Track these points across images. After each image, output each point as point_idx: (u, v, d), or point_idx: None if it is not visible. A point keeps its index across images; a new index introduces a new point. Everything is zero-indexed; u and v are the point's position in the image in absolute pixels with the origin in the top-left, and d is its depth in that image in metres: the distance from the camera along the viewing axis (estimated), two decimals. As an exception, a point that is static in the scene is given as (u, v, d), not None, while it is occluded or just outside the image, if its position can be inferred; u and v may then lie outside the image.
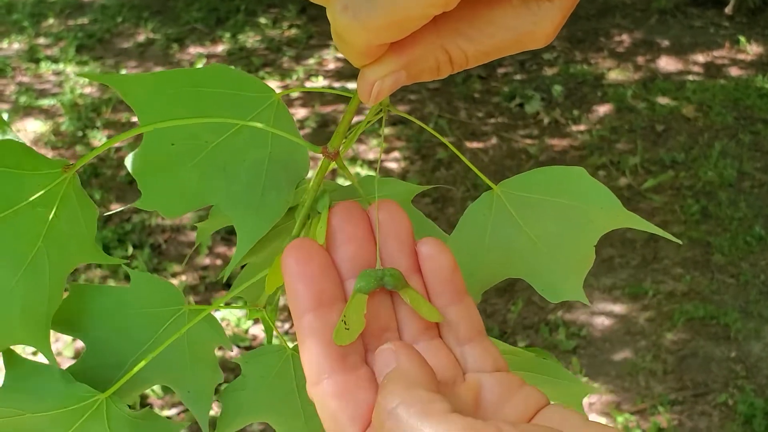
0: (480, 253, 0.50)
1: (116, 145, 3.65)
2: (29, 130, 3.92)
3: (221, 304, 0.50)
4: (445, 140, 0.49)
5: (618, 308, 2.87)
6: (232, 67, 0.44)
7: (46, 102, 4.19)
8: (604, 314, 2.86)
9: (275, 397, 0.44)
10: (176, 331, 0.49)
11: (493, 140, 3.80)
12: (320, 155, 0.46)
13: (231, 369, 2.45)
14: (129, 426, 0.50)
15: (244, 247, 0.47)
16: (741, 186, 3.45)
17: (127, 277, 0.52)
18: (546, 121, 3.94)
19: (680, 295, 2.92)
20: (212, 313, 0.51)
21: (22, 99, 4.19)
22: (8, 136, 0.44)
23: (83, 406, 0.49)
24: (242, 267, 0.54)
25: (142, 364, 0.49)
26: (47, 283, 0.47)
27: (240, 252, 0.47)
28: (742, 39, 4.60)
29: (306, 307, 0.40)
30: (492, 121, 3.97)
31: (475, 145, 3.75)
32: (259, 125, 0.45)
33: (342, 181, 0.56)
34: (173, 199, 0.47)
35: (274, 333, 0.53)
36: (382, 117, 0.46)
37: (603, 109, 4.04)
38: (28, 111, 4.11)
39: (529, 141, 3.76)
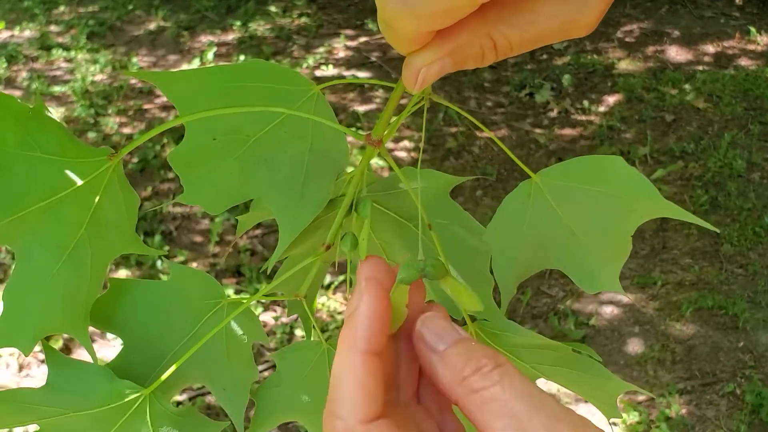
0: (517, 243, 0.50)
1: (125, 132, 3.67)
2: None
3: (261, 296, 0.49)
4: (486, 130, 0.50)
5: (627, 298, 2.87)
6: (272, 61, 0.44)
7: (57, 89, 4.20)
8: (612, 304, 2.87)
9: (310, 394, 0.44)
10: (216, 324, 0.49)
11: (503, 130, 3.80)
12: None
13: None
14: (171, 423, 0.50)
15: (286, 240, 0.47)
16: (750, 177, 3.44)
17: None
18: (556, 110, 3.94)
19: (689, 285, 2.92)
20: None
21: (34, 86, 4.20)
22: (53, 125, 0.44)
23: (126, 403, 0.49)
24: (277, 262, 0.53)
25: (186, 356, 0.48)
26: (88, 271, 0.47)
27: (282, 244, 0.47)
28: (753, 29, 4.58)
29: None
30: (502, 110, 3.97)
31: (485, 134, 3.75)
32: (303, 114, 0.45)
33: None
34: (216, 193, 0.47)
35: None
36: (423, 105, 0.46)
37: (613, 99, 4.03)
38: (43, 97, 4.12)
39: (538, 130, 3.76)
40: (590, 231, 0.49)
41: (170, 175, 3.46)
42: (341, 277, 2.78)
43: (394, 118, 0.47)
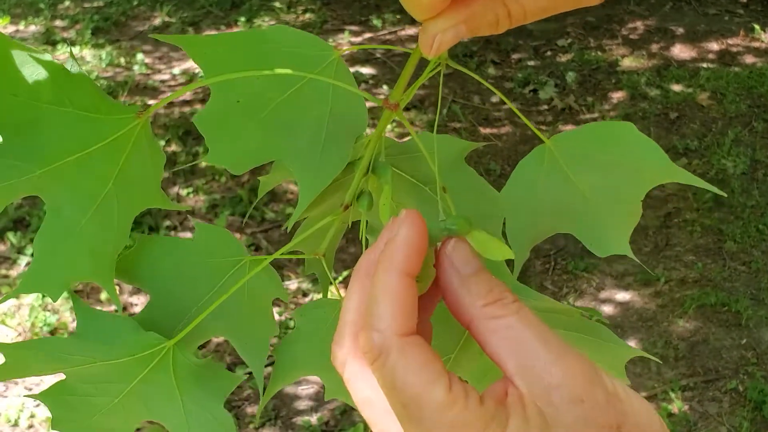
0: (531, 207, 0.51)
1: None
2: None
3: (280, 254, 0.51)
4: (499, 93, 0.50)
5: (630, 295, 2.88)
6: (292, 27, 0.46)
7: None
8: (615, 300, 2.87)
9: (328, 350, 0.45)
10: (237, 281, 0.51)
11: (507, 126, 3.81)
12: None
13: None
14: (193, 375, 0.52)
15: (305, 201, 0.48)
16: (754, 174, 3.45)
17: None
18: (560, 107, 3.95)
19: (692, 282, 2.93)
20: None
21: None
22: (85, 82, 0.45)
23: (151, 354, 0.51)
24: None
25: (207, 312, 0.50)
26: (115, 224, 0.49)
27: (302, 205, 0.48)
28: (757, 27, 4.58)
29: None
30: (506, 106, 3.97)
31: (488, 130, 3.76)
32: (323, 78, 0.46)
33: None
34: (239, 154, 0.48)
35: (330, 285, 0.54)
36: (440, 70, 0.47)
37: (617, 96, 4.03)
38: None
39: (543, 127, 3.77)
40: (602, 195, 0.50)
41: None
42: (345, 272, 2.79)
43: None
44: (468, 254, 0.43)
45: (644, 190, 0.49)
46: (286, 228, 0.52)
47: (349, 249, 2.95)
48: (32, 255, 0.50)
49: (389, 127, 0.47)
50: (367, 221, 0.49)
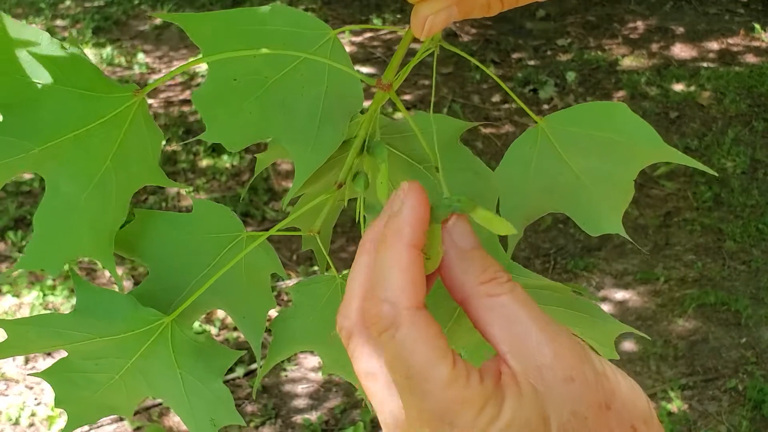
0: (523, 186, 0.51)
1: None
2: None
3: (276, 231, 0.51)
4: (489, 71, 0.51)
5: (629, 294, 2.88)
6: (289, 6, 0.46)
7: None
8: (615, 299, 2.88)
9: (324, 326, 0.46)
10: (235, 256, 0.51)
11: (507, 126, 3.81)
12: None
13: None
14: (191, 350, 0.52)
15: (301, 178, 0.49)
16: (754, 173, 3.45)
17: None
18: (560, 106, 3.95)
19: (691, 281, 2.93)
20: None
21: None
22: (83, 61, 0.46)
23: (149, 330, 0.51)
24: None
25: (205, 287, 0.51)
26: (113, 200, 0.49)
27: (298, 182, 0.49)
28: (757, 26, 4.59)
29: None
30: (505, 106, 3.98)
31: (488, 130, 3.76)
32: (318, 58, 0.47)
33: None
34: (235, 132, 0.49)
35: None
36: (433, 52, 0.47)
37: (617, 96, 4.04)
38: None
39: (542, 127, 3.77)
40: (595, 175, 0.51)
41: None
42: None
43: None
44: (467, 231, 0.44)
45: (636, 169, 0.50)
46: (283, 206, 0.52)
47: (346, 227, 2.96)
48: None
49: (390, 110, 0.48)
50: (364, 199, 0.50)
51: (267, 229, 0.52)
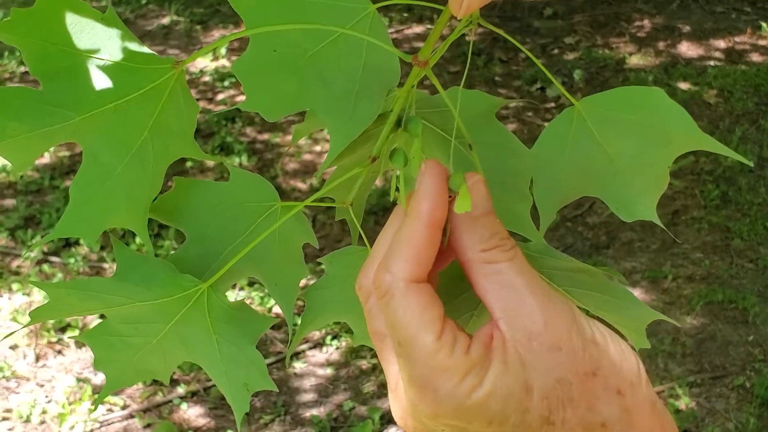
0: (558, 167, 0.52)
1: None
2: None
3: (311, 201, 0.53)
4: (529, 54, 0.52)
5: (637, 291, 2.89)
6: None
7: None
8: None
9: (356, 296, 0.46)
10: (270, 225, 0.53)
11: (514, 124, 3.82)
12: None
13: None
14: (226, 316, 0.53)
15: (336, 150, 0.50)
16: (761, 172, 3.45)
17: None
18: (567, 104, 3.95)
19: (699, 279, 2.93)
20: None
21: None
22: (123, 32, 0.47)
23: (187, 295, 0.52)
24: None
25: (241, 254, 0.52)
26: (150, 171, 0.50)
27: (332, 154, 0.50)
28: (764, 25, 4.59)
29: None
30: (513, 104, 3.99)
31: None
32: (356, 33, 0.48)
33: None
34: (274, 102, 0.50)
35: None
36: (472, 29, 0.48)
37: (624, 95, 4.04)
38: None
39: (549, 125, 3.78)
40: (629, 160, 0.51)
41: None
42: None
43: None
44: (481, 196, 0.46)
45: (672, 156, 0.50)
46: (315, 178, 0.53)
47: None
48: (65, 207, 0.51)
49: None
50: (398, 173, 0.50)
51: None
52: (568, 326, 0.44)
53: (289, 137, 3.50)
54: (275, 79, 0.49)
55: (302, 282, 0.57)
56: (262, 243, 0.52)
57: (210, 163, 3.49)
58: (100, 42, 0.46)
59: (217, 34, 4.77)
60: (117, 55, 0.47)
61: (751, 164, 0.51)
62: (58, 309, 0.53)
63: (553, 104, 3.98)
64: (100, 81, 0.47)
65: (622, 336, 0.51)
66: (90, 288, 0.52)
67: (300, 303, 0.57)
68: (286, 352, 2.67)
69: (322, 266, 0.55)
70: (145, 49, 0.47)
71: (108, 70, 0.47)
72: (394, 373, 0.46)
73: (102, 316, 0.57)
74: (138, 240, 2.87)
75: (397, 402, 0.47)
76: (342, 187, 0.54)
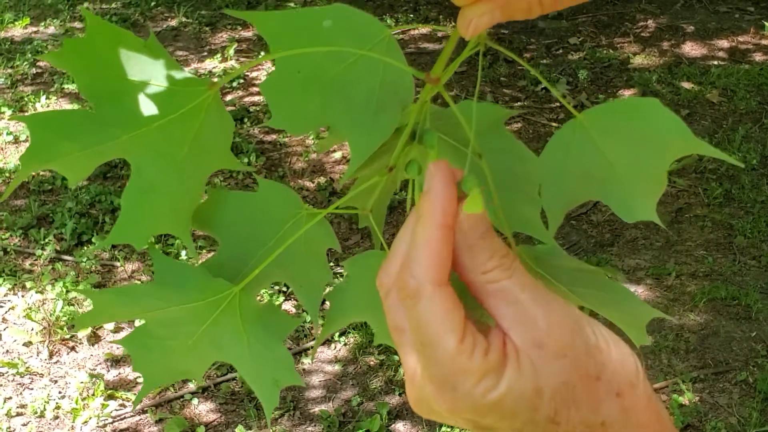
0: (563, 173, 0.56)
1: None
2: (65, 110, 4.01)
3: (334, 209, 0.57)
4: (534, 71, 0.55)
5: (641, 288, 2.91)
6: (350, 6, 0.52)
7: (79, 84, 4.27)
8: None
9: (376, 298, 0.50)
10: (295, 231, 0.57)
11: (519, 123, 3.85)
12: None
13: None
14: (257, 316, 0.58)
15: (357, 161, 0.54)
16: (764, 170, 3.48)
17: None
18: (572, 105, 3.97)
19: (702, 276, 2.96)
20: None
21: (59, 81, 4.27)
22: (163, 56, 0.51)
23: (220, 298, 0.57)
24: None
25: (269, 259, 0.56)
26: (191, 183, 0.55)
27: (354, 165, 0.54)
28: (767, 24, 4.61)
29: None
30: (518, 104, 4.01)
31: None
32: (375, 55, 0.52)
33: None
34: (299, 119, 0.54)
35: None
36: (479, 49, 0.52)
37: (628, 94, 4.07)
38: (65, 93, 4.20)
39: (555, 124, 3.80)
40: (629, 165, 0.55)
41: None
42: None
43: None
44: (475, 221, 0.48)
45: (669, 160, 0.54)
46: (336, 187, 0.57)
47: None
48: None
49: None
50: (414, 181, 0.55)
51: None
52: (572, 333, 0.47)
53: (295, 137, 3.53)
54: (299, 98, 0.54)
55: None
56: (288, 248, 0.57)
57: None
58: (145, 67, 0.51)
59: (225, 36, 4.81)
60: (160, 79, 0.51)
61: (743, 166, 0.56)
62: (102, 315, 0.58)
63: (557, 104, 4.01)
64: (146, 102, 0.51)
65: (622, 334, 0.55)
66: (130, 294, 0.57)
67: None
68: (312, 347, 2.74)
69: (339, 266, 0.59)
70: (185, 73, 0.52)
71: (152, 92, 0.51)
72: (412, 363, 0.49)
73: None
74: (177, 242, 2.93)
75: (414, 390, 0.50)
76: (362, 195, 0.59)
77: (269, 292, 2.90)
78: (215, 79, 0.52)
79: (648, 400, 0.50)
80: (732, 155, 3.52)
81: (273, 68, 0.53)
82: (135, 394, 2.57)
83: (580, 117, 0.55)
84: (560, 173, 0.56)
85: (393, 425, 2.48)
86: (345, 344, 2.76)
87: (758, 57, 4.36)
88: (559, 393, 0.47)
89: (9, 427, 2.48)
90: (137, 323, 0.60)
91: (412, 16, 4.94)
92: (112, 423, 2.49)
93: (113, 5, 5.25)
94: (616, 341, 0.50)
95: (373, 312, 0.61)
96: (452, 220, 0.48)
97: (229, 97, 4.11)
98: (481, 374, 0.46)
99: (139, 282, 2.89)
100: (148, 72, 0.51)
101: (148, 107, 0.51)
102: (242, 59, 4.50)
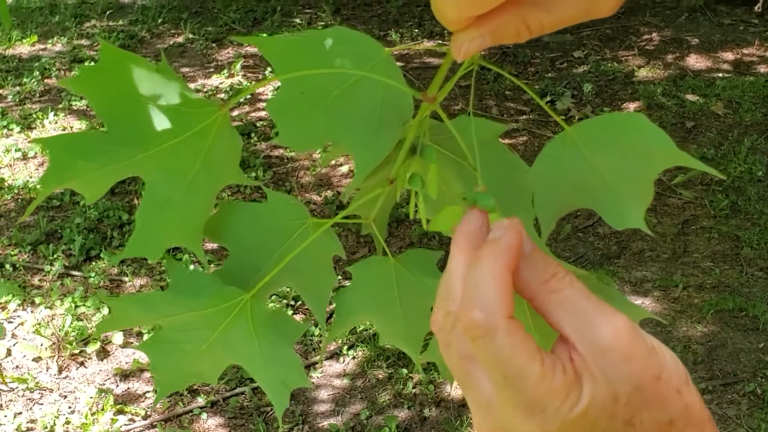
0: (554, 184, 0.59)
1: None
2: (75, 128, 4.05)
3: (339, 218, 0.60)
4: (524, 85, 0.58)
5: (648, 300, 2.92)
6: (350, 29, 0.55)
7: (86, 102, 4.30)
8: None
9: (379, 300, 0.53)
10: (303, 241, 0.60)
11: (524, 136, 3.87)
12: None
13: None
14: (268, 321, 0.61)
15: (360, 175, 0.57)
16: (770, 181, 3.49)
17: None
18: (577, 118, 4.00)
19: (710, 287, 2.96)
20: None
21: (66, 98, 4.31)
22: (174, 79, 0.54)
23: (231, 305, 0.60)
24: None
25: (279, 267, 0.59)
26: (202, 198, 0.58)
27: (358, 179, 0.57)
28: (772, 37, 4.63)
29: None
30: (523, 117, 4.04)
31: (506, 141, 3.82)
32: (375, 76, 0.55)
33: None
34: (304, 136, 0.56)
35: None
36: (473, 69, 0.55)
37: (633, 106, 4.09)
38: (72, 110, 4.24)
39: (560, 137, 3.82)
40: (617, 175, 0.58)
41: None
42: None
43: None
44: (525, 234, 0.50)
45: (655, 171, 0.57)
46: (341, 199, 0.60)
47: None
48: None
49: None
50: (416, 192, 0.57)
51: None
52: (634, 338, 0.49)
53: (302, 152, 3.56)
54: (304, 117, 0.56)
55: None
56: (296, 256, 0.60)
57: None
58: (157, 90, 0.53)
59: (231, 52, 4.85)
60: (172, 101, 0.54)
61: (724, 176, 0.58)
62: (120, 321, 0.61)
63: (563, 117, 4.03)
64: (159, 123, 0.54)
65: None
66: (147, 301, 0.60)
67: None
68: (320, 350, 2.77)
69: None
70: (195, 95, 0.54)
71: (165, 114, 0.54)
72: (487, 392, 0.50)
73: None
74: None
75: (492, 419, 0.51)
76: (365, 205, 0.62)
77: (278, 305, 2.92)
78: (222, 96, 0.54)
79: (700, 400, 0.51)
80: (738, 167, 3.54)
81: (279, 85, 0.55)
82: (144, 409, 2.59)
83: (569, 130, 0.58)
84: (551, 183, 0.59)
85: (401, 438, 2.48)
86: (353, 358, 2.77)
87: (763, 69, 4.37)
88: (633, 396, 0.48)
89: (19, 442, 2.50)
90: (146, 331, 0.62)
91: (417, 30, 4.97)
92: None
93: (120, 22, 5.31)
94: (663, 345, 0.52)
95: (376, 313, 0.64)
96: (514, 267, 0.50)
97: (236, 113, 4.14)
98: (567, 391, 0.48)
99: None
100: (161, 94, 0.53)
101: (161, 128, 0.54)
102: (248, 75, 4.54)
